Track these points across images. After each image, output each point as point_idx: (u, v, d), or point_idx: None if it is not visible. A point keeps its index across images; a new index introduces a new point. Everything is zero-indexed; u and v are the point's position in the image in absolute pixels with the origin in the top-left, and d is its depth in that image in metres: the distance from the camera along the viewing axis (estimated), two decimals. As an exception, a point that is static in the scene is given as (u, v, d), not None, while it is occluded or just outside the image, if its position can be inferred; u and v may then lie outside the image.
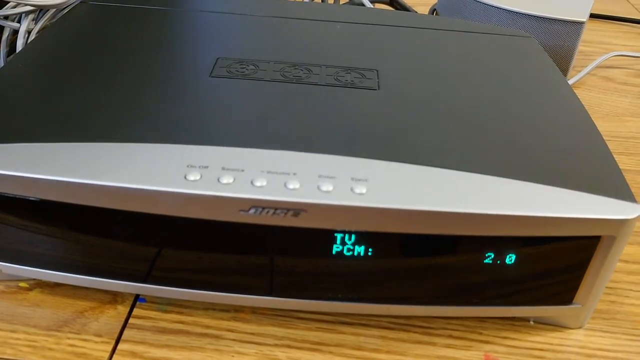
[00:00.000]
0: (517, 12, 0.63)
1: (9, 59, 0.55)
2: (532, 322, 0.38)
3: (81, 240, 0.35)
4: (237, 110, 0.38)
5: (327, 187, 0.32)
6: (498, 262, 0.34)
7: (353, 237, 0.33)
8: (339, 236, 0.33)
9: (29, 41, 0.53)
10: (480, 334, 0.37)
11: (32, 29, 0.53)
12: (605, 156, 0.36)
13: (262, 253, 0.34)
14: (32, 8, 0.52)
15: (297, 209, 0.31)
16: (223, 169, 0.32)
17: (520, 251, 0.34)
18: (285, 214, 0.31)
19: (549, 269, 0.35)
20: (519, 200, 0.32)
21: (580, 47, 0.66)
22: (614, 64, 0.72)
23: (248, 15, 0.52)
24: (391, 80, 0.42)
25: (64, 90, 0.38)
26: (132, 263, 0.35)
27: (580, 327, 0.38)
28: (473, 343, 0.36)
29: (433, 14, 0.74)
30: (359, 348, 0.35)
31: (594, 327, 0.38)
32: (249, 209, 0.31)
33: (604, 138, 0.37)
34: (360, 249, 0.34)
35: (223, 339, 0.35)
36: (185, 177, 0.32)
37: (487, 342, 0.36)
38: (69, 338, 0.35)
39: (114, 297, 0.37)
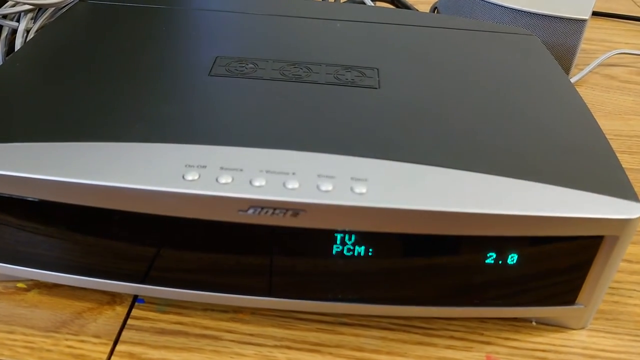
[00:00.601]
0: (518, 10, 0.63)
1: (7, 58, 0.55)
2: (534, 323, 0.37)
3: (79, 241, 0.34)
4: (236, 109, 0.37)
5: (327, 186, 0.31)
6: (500, 262, 0.34)
7: (353, 237, 0.33)
8: (339, 236, 0.33)
9: (27, 40, 0.52)
10: (482, 334, 0.36)
11: (31, 28, 0.52)
12: (608, 155, 0.36)
13: (261, 253, 0.34)
14: (30, 7, 0.51)
15: (296, 209, 0.31)
16: (221, 168, 0.32)
17: (522, 251, 0.34)
18: (285, 214, 0.31)
19: (552, 269, 0.35)
20: (520, 199, 0.32)
21: (583, 45, 0.66)
22: (616, 62, 0.71)
23: (247, 14, 0.52)
24: (392, 79, 0.42)
25: (62, 90, 0.38)
26: (131, 263, 0.35)
27: (582, 328, 0.37)
28: (474, 344, 0.36)
29: (434, 12, 0.74)
30: (359, 349, 0.35)
31: (597, 328, 0.37)
32: (248, 209, 0.31)
33: (607, 137, 0.37)
34: (360, 249, 0.33)
35: (222, 340, 0.35)
36: (183, 177, 0.31)
37: (489, 343, 0.36)
38: (67, 339, 0.34)
39: (113, 298, 0.37)
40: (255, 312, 0.37)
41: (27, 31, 0.52)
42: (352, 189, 0.31)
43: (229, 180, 0.31)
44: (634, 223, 0.32)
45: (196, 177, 0.31)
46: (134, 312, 0.36)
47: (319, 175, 0.32)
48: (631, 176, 0.34)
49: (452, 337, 0.36)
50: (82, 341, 0.34)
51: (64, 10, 0.54)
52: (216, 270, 0.35)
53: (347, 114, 0.38)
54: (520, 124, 0.38)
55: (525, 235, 0.33)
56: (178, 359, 0.34)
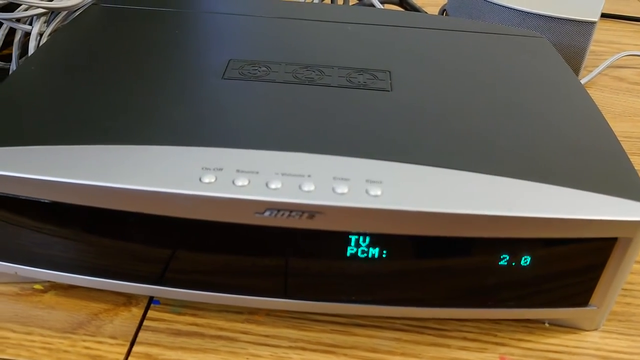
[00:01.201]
0: (527, 12, 0.63)
1: (21, 61, 0.56)
2: (547, 324, 0.38)
3: (95, 243, 0.35)
4: (251, 112, 0.38)
5: (342, 189, 0.32)
6: (513, 264, 0.34)
7: (367, 239, 0.33)
8: (353, 238, 0.33)
9: (41, 43, 0.53)
10: (495, 336, 0.37)
11: (44, 32, 0.53)
12: (620, 157, 0.36)
13: (277, 255, 0.34)
14: (44, 11, 0.52)
15: (312, 211, 0.31)
16: (238, 171, 0.32)
17: (536, 253, 0.34)
18: (301, 216, 0.31)
19: (565, 270, 0.35)
20: (534, 202, 0.32)
21: (591, 46, 0.66)
22: (625, 63, 0.71)
23: (258, 17, 0.52)
24: (404, 82, 0.42)
25: (77, 93, 0.38)
26: (146, 265, 0.35)
27: (595, 329, 0.38)
28: (488, 345, 0.36)
29: (443, 14, 0.74)
30: (374, 350, 0.35)
31: (610, 329, 0.37)
32: (264, 211, 0.31)
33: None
34: (374, 251, 0.34)
35: (237, 341, 0.35)
36: (200, 180, 0.32)
37: (502, 345, 0.36)
38: (84, 340, 0.35)
39: (128, 299, 0.37)
40: (270, 313, 0.37)
41: (41, 35, 0.53)
42: (367, 191, 0.32)
43: (246, 182, 0.32)
44: (648, 225, 0.32)
45: (213, 179, 0.32)
46: (150, 313, 0.37)
47: (334, 178, 0.32)
48: (644, 178, 0.34)
49: (465, 339, 0.36)
50: (99, 342, 0.35)
51: (76, 13, 0.54)
52: (231, 271, 0.35)
53: (360, 117, 0.38)
54: (532, 126, 0.38)
55: (538, 237, 0.33)
56: (194, 360, 0.34)
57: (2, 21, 0.52)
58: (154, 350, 0.34)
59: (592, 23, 0.62)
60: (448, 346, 0.36)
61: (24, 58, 0.56)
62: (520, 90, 0.42)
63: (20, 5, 0.52)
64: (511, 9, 0.64)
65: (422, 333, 0.37)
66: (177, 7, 0.53)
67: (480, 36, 0.51)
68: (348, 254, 0.34)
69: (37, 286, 0.38)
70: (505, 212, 0.32)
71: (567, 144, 0.36)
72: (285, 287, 0.35)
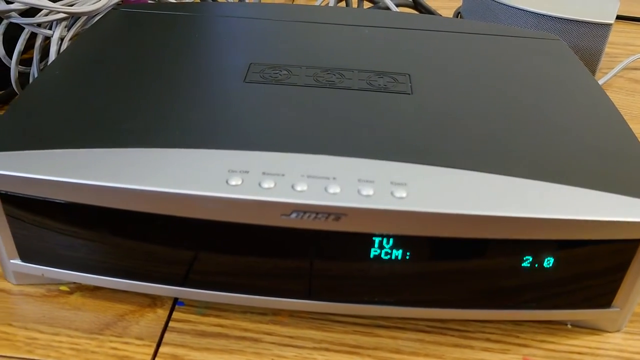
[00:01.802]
0: (543, 15, 0.63)
1: (41, 65, 0.56)
2: (569, 326, 0.38)
3: (122, 245, 0.35)
4: (274, 115, 0.38)
5: (368, 191, 0.32)
6: (536, 265, 0.34)
7: (391, 240, 0.33)
8: (377, 240, 0.33)
9: (62, 48, 0.53)
10: (518, 337, 0.37)
11: (65, 36, 0.53)
12: (642, 159, 0.36)
13: (301, 257, 0.34)
14: (65, 16, 0.52)
15: (338, 213, 0.32)
16: (264, 173, 0.33)
17: (559, 255, 0.34)
18: (327, 218, 0.32)
19: (588, 272, 0.35)
20: (558, 204, 0.32)
21: (606, 48, 0.66)
22: (640, 65, 0.71)
23: (275, 21, 0.53)
24: (424, 84, 0.42)
25: (101, 97, 0.39)
26: (172, 267, 0.36)
27: (618, 331, 0.38)
28: (511, 346, 0.36)
29: (457, 17, 0.74)
30: (397, 351, 0.35)
31: (633, 331, 0.37)
32: (291, 213, 0.32)
33: (636, 140, 0.37)
34: (397, 253, 0.34)
35: (262, 342, 0.36)
36: (227, 182, 0.32)
37: (525, 346, 0.36)
38: (111, 341, 0.35)
39: (153, 301, 0.38)
40: (293, 314, 0.37)
41: (61, 39, 0.53)
42: (392, 193, 0.32)
43: (272, 185, 0.32)
44: (672, 226, 0.32)
45: (239, 182, 0.32)
46: (175, 314, 0.37)
47: (359, 180, 0.33)
48: (667, 180, 0.34)
49: (488, 340, 0.36)
50: (126, 343, 0.35)
51: (96, 18, 0.55)
52: (256, 273, 0.35)
53: (382, 120, 0.38)
54: (554, 128, 0.38)
55: (562, 239, 0.33)
56: (220, 361, 0.34)
57: (24, 26, 0.53)
58: (180, 351, 0.35)
59: (608, 25, 0.62)
60: (471, 347, 0.36)
61: (43, 62, 0.57)
62: (540, 93, 0.42)
63: (41, 10, 0.53)
64: (527, 11, 0.64)
65: (445, 334, 0.37)
66: (195, 12, 0.54)
67: (497, 39, 0.51)
68: (371, 256, 0.34)
69: (63, 287, 0.38)
70: (528, 214, 0.32)
71: (590, 146, 0.37)
72: (309, 288, 0.35)
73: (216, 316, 0.37)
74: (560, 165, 0.35)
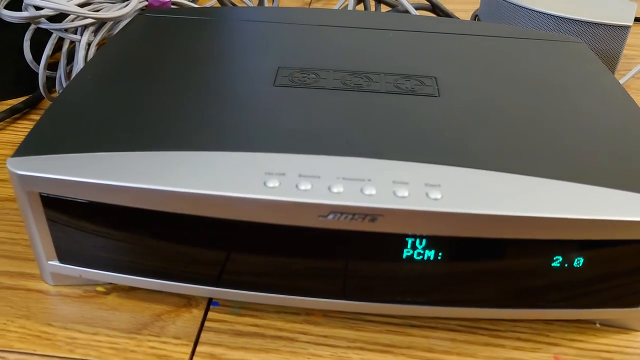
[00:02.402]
0: (561, 17, 0.64)
1: (68, 68, 0.57)
2: (598, 325, 0.38)
3: (158, 246, 0.36)
4: (305, 119, 0.39)
5: (403, 192, 0.32)
6: (566, 265, 0.35)
7: (424, 241, 0.34)
8: (409, 240, 0.34)
9: (89, 53, 0.54)
10: (548, 336, 0.37)
11: (92, 41, 0.54)
12: (671, 160, 0.36)
13: (335, 257, 0.35)
14: (92, 21, 0.53)
15: (374, 214, 0.32)
16: (300, 175, 0.33)
17: (588, 254, 0.34)
18: (363, 219, 0.32)
19: (616, 271, 0.35)
20: (590, 204, 0.33)
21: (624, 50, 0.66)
22: (657, 67, 0.72)
23: (300, 25, 0.53)
24: (450, 87, 0.43)
25: (135, 101, 0.40)
26: (207, 267, 0.36)
27: (646, 330, 0.38)
28: (541, 345, 0.37)
29: (475, 20, 0.75)
30: (430, 350, 0.36)
31: (661, 330, 0.38)
32: (328, 214, 0.32)
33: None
34: (430, 253, 0.34)
35: (297, 341, 0.36)
36: (264, 184, 0.33)
37: (555, 344, 0.37)
38: (149, 340, 0.36)
39: (188, 301, 0.38)
40: (326, 314, 0.38)
41: (88, 44, 0.54)
42: (427, 195, 0.32)
43: (309, 187, 0.33)
44: (702, 226, 0.33)
45: (277, 184, 0.33)
46: (210, 314, 0.38)
47: (393, 182, 0.33)
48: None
49: (519, 339, 0.37)
50: (164, 342, 0.36)
51: (122, 23, 0.56)
52: (292, 273, 0.36)
53: (412, 122, 0.39)
54: (581, 130, 0.39)
55: (592, 239, 0.34)
56: (257, 360, 0.35)
57: (52, 31, 0.53)
58: (217, 350, 0.35)
59: (627, 27, 0.62)
60: (502, 346, 0.36)
61: (69, 67, 0.58)
62: (566, 94, 0.43)
63: (68, 15, 0.54)
64: (545, 14, 0.64)
65: (476, 333, 0.37)
66: (218, 16, 0.55)
67: (519, 41, 0.52)
68: (404, 256, 0.35)
69: (99, 288, 0.39)
70: (560, 214, 0.32)
71: (618, 147, 0.37)
72: (344, 288, 0.36)
73: (251, 316, 0.38)
74: (590, 167, 0.35)
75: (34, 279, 0.40)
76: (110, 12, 0.54)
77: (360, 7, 0.73)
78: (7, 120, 0.57)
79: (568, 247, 0.34)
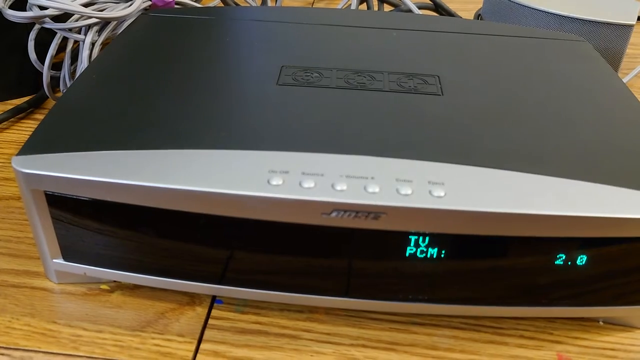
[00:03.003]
0: (564, 16, 0.64)
1: (75, 69, 0.57)
2: (601, 323, 0.38)
3: (163, 244, 0.36)
4: (309, 117, 0.39)
5: (406, 190, 0.33)
6: (569, 263, 0.35)
7: (427, 239, 0.34)
8: (412, 238, 0.34)
9: (93, 52, 0.54)
10: (551, 334, 0.37)
11: (96, 41, 0.54)
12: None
13: (338, 255, 0.35)
14: (96, 21, 0.53)
15: (378, 212, 0.32)
16: (303, 173, 0.33)
17: (592, 252, 0.34)
18: (367, 217, 0.32)
19: (620, 269, 0.35)
20: (591, 201, 0.33)
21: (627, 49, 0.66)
22: (660, 66, 0.72)
23: (302, 24, 0.53)
24: (453, 86, 0.43)
25: (139, 100, 0.40)
26: (211, 265, 0.36)
27: (650, 328, 0.38)
28: (544, 343, 0.37)
29: (478, 19, 0.75)
30: (434, 348, 0.36)
31: (665, 328, 0.38)
32: (331, 212, 0.32)
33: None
34: (433, 251, 0.35)
35: (300, 339, 0.36)
36: (268, 182, 0.33)
37: (559, 342, 0.37)
38: (153, 338, 0.36)
39: (192, 299, 0.39)
40: (329, 312, 0.38)
41: (92, 44, 0.54)
42: (430, 192, 0.33)
43: (312, 184, 0.33)
44: None
45: (280, 182, 0.33)
46: (214, 312, 0.38)
47: (397, 180, 0.33)
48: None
49: (522, 337, 0.37)
50: (168, 340, 0.36)
51: (126, 23, 0.56)
52: (295, 271, 0.36)
53: (416, 121, 0.39)
54: (586, 128, 0.39)
55: (595, 237, 0.34)
56: (261, 357, 0.35)
57: (57, 31, 0.54)
58: (221, 348, 0.36)
59: (630, 26, 0.62)
60: (506, 344, 0.37)
61: (73, 66, 0.58)
62: (570, 93, 0.43)
63: (72, 15, 0.54)
64: (548, 13, 0.64)
65: (479, 331, 0.37)
66: (221, 16, 0.55)
67: (522, 40, 0.52)
68: (407, 254, 0.35)
69: (103, 286, 0.39)
70: (564, 212, 0.32)
71: (622, 145, 0.37)
72: (347, 286, 0.36)
73: (255, 314, 0.38)
74: (593, 164, 0.35)
75: (39, 277, 0.40)
76: (114, 11, 0.54)
77: (363, 6, 0.73)
78: (12, 119, 0.57)
79: (571, 244, 0.34)
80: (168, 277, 0.37)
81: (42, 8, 0.52)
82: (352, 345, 0.36)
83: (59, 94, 0.60)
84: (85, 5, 0.54)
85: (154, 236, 0.36)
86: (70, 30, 0.54)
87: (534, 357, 0.36)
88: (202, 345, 0.36)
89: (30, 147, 0.35)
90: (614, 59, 0.64)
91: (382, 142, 0.36)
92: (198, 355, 0.35)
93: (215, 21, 0.53)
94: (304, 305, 0.38)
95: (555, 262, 0.35)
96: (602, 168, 0.35)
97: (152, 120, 0.38)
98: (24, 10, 0.52)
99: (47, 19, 0.53)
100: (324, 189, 0.33)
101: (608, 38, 0.63)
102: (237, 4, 0.68)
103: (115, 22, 0.56)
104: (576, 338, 0.37)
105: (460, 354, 0.36)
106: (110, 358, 0.35)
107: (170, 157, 0.35)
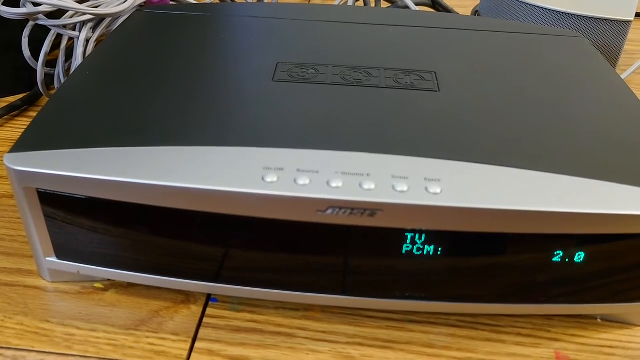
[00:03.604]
0: (562, 12, 0.63)
1: (67, 65, 0.57)
2: (599, 320, 0.38)
3: (156, 242, 0.36)
4: (304, 113, 0.39)
5: (402, 187, 0.32)
6: (567, 260, 0.34)
7: (423, 236, 0.34)
8: (409, 235, 0.34)
9: (87, 49, 0.54)
10: (549, 331, 0.37)
11: (90, 38, 0.54)
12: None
13: (334, 252, 0.35)
14: (90, 17, 0.53)
15: (373, 209, 0.32)
16: (298, 170, 0.33)
17: (589, 249, 0.34)
18: (362, 214, 0.32)
19: (618, 266, 0.35)
20: (589, 197, 0.32)
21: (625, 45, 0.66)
22: (658, 62, 0.71)
23: (298, 20, 0.53)
24: (450, 82, 0.43)
25: (134, 97, 0.40)
26: (206, 263, 0.36)
27: (648, 325, 0.38)
28: (542, 341, 0.36)
29: (475, 15, 0.74)
30: (430, 346, 0.36)
31: (663, 325, 0.38)
32: (327, 209, 0.32)
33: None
34: (429, 248, 0.34)
35: (296, 337, 0.36)
36: (263, 179, 0.32)
37: (556, 340, 0.36)
38: (147, 337, 0.36)
39: (187, 297, 0.38)
40: (325, 310, 0.38)
41: (87, 40, 0.54)
42: (426, 189, 0.32)
43: (307, 181, 0.32)
44: None
45: (275, 179, 0.32)
46: (209, 310, 0.37)
47: (392, 176, 0.33)
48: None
49: (519, 334, 0.37)
50: (162, 338, 0.36)
51: (120, 20, 0.55)
52: (290, 269, 0.36)
53: (412, 117, 0.39)
54: (583, 125, 0.38)
55: (593, 233, 0.33)
56: (256, 356, 0.35)
57: (51, 27, 0.53)
58: (216, 346, 0.35)
59: (628, 22, 0.62)
60: (503, 342, 0.36)
61: (67, 63, 0.58)
62: (567, 89, 0.43)
63: (66, 12, 0.53)
64: (545, 9, 0.64)
65: (476, 329, 0.37)
66: (217, 12, 0.54)
67: (520, 36, 0.51)
68: (403, 252, 0.34)
69: (97, 285, 0.39)
70: (560, 208, 0.32)
71: (620, 141, 0.37)
72: (343, 284, 0.36)
73: (250, 312, 0.37)
74: (590, 160, 0.35)
75: (32, 275, 0.40)
76: (109, 8, 0.54)
77: (360, 3, 0.73)
78: (5, 117, 0.57)
79: (569, 241, 0.34)
80: (162, 275, 0.37)
81: (36, 4, 0.51)
82: (348, 343, 0.36)
83: (54, 91, 0.59)
84: (80, 1, 0.53)
85: (148, 234, 0.36)
86: (64, 26, 0.54)
87: (532, 355, 0.36)
88: (196, 344, 0.35)
89: (23, 145, 0.35)
90: (612, 55, 0.64)
91: (378, 139, 0.36)
92: (193, 354, 0.35)
93: (211, 18, 0.53)
94: (300, 303, 0.38)
95: (553, 260, 0.35)
96: (600, 164, 0.35)
97: (144, 118, 0.37)
98: (18, 6, 0.52)
99: (41, 16, 0.52)
100: (319, 185, 0.32)
101: (606, 34, 0.63)
102: (232, 0, 0.68)
103: (110, 19, 0.55)
104: (574, 335, 0.37)
105: (457, 352, 0.36)
106: (103, 357, 0.34)
107: (164, 154, 0.34)
